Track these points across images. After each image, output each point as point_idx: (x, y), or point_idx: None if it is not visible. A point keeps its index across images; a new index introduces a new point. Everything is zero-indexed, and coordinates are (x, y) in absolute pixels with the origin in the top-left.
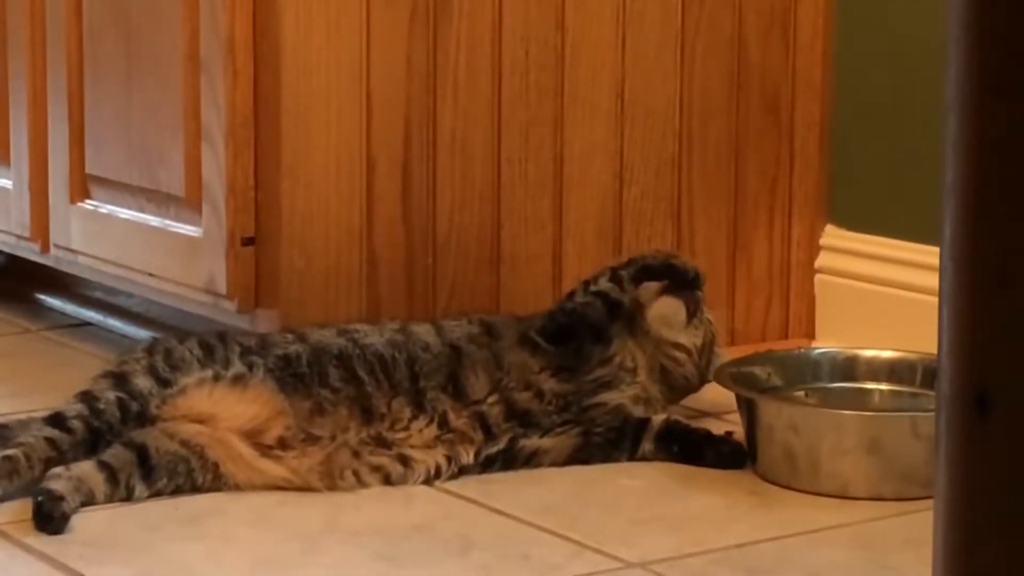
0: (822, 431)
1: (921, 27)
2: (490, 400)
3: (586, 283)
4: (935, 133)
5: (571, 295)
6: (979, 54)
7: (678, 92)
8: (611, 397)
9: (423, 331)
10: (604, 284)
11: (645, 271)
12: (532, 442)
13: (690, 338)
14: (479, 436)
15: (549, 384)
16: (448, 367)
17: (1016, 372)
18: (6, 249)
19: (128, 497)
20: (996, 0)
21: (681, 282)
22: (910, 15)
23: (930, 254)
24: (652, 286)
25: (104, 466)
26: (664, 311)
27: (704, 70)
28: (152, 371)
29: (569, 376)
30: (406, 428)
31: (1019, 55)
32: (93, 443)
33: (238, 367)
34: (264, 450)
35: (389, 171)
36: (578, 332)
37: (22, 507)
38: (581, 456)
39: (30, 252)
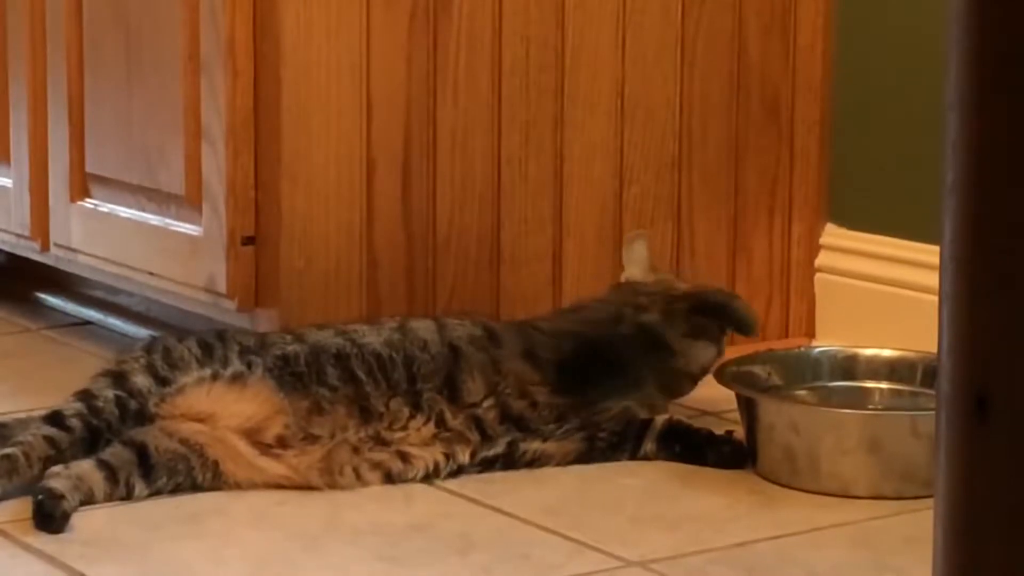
0: (822, 430)
1: (921, 27)
2: (486, 404)
3: (637, 306)
4: (935, 133)
5: (618, 318)
6: (979, 54)
7: (678, 92)
8: (617, 402)
9: (423, 329)
10: (654, 318)
11: (703, 309)
12: (534, 446)
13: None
14: (475, 437)
15: (544, 396)
16: (446, 368)
17: (1016, 372)
18: (6, 248)
19: (128, 496)
20: (996, 0)
21: (738, 329)
22: (910, 15)
23: (930, 253)
24: (700, 326)
25: (104, 465)
26: (704, 361)
27: (704, 70)
28: (151, 370)
29: (567, 394)
30: (404, 427)
31: (1019, 55)
32: (92, 442)
33: (237, 366)
34: (263, 448)
35: (389, 171)
36: (604, 361)
37: (22, 506)
38: (584, 459)
39: (30, 251)
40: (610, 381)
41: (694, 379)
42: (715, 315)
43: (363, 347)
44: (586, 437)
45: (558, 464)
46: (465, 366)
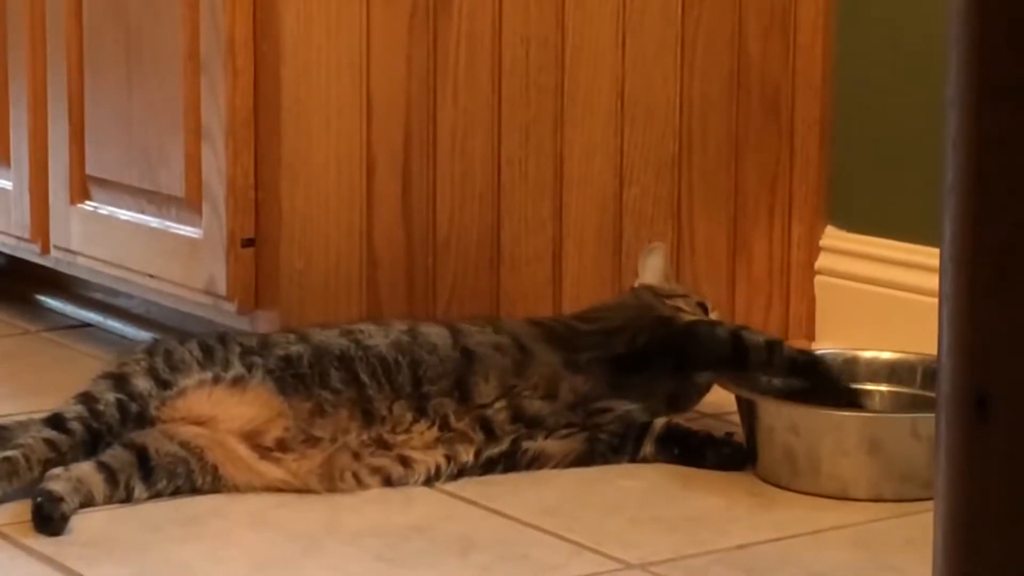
0: (822, 432)
1: (921, 27)
2: (496, 405)
3: (738, 330)
4: (935, 133)
5: (704, 324)
6: (979, 54)
7: (678, 92)
8: (621, 404)
9: (435, 333)
10: (759, 342)
11: (805, 373)
12: (536, 444)
13: None
14: (479, 436)
15: (573, 382)
16: (456, 372)
17: (1016, 372)
18: (6, 250)
19: (127, 498)
20: (996, 0)
21: (837, 402)
22: (910, 15)
23: (930, 255)
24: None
25: (103, 467)
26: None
27: (704, 70)
28: (152, 372)
29: (596, 381)
30: (407, 431)
31: (1019, 55)
32: (92, 444)
33: (238, 369)
34: (263, 452)
35: (389, 171)
36: (678, 355)
37: (21, 508)
38: (584, 460)
39: (30, 253)
40: (667, 375)
41: (701, 395)
42: (812, 380)
43: (368, 349)
44: (587, 439)
45: (558, 465)
46: (479, 368)
